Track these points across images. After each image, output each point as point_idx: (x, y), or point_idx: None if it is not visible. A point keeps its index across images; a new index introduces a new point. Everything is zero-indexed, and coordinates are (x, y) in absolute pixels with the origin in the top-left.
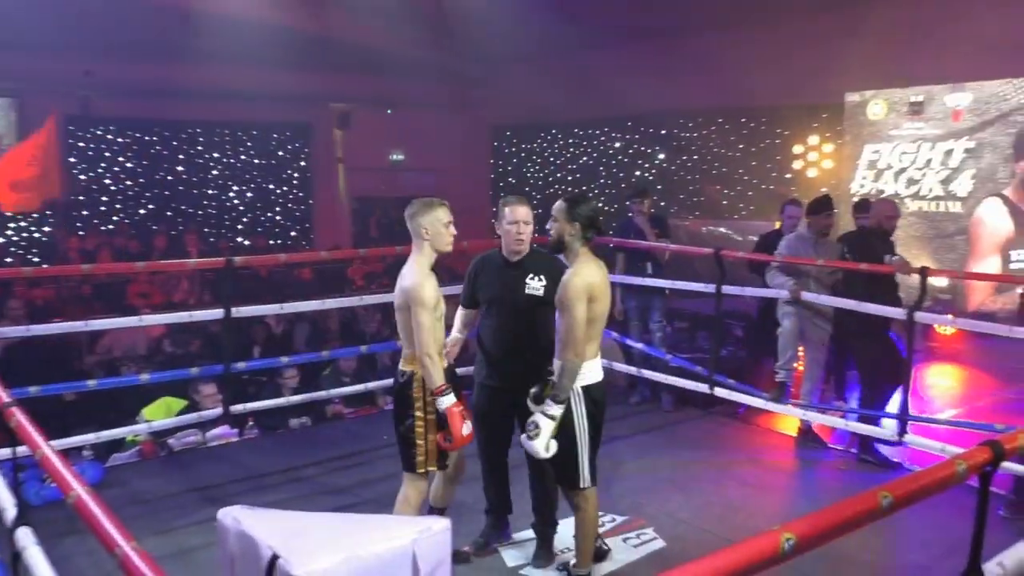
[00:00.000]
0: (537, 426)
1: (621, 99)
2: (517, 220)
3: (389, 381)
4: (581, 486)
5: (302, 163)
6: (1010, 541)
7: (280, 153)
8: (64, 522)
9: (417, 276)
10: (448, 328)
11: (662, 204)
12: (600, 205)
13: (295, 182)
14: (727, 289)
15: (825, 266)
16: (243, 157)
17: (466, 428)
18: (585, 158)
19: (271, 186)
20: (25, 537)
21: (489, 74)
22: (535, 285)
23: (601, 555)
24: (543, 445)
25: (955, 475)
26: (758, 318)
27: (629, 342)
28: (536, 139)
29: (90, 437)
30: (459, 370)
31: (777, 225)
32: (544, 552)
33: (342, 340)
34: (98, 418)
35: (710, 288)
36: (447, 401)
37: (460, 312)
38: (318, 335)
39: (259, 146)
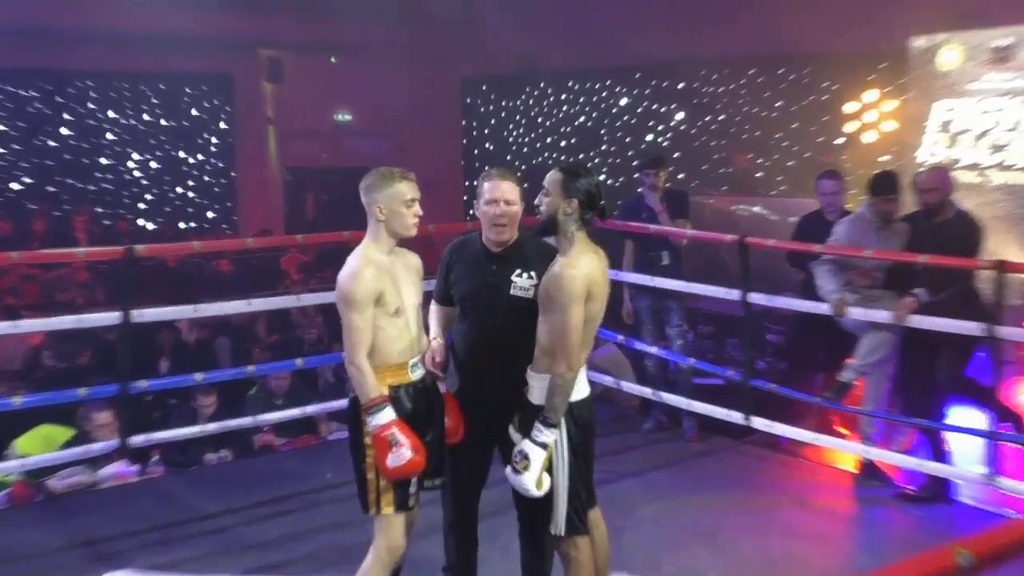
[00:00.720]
0: (526, 456)
1: (628, 45)
2: (498, 198)
3: (335, 403)
4: (555, 532)
5: (222, 125)
6: None
7: (194, 112)
8: None
9: (353, 263)
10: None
11: (680, 177)
12: (603, 178)
13: (213, 149)
14: (754, 299)
15: (887, 259)
16: (146, 118)
17: (393, 457)
18: (583, 118)
19: (182, 154)
20: None
21: (461, 13)
22: (523, 283)
23: None
24: (534, 480)
25: None
26: (800, 322)
27: (639, 346)
28: (520, 94)
29: None
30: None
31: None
32: None
33: (273, 351)
34: None
35: (732, 295)
36: (374, 421)
37: (434, 309)
38: (243, 345)
39: (167, 104)
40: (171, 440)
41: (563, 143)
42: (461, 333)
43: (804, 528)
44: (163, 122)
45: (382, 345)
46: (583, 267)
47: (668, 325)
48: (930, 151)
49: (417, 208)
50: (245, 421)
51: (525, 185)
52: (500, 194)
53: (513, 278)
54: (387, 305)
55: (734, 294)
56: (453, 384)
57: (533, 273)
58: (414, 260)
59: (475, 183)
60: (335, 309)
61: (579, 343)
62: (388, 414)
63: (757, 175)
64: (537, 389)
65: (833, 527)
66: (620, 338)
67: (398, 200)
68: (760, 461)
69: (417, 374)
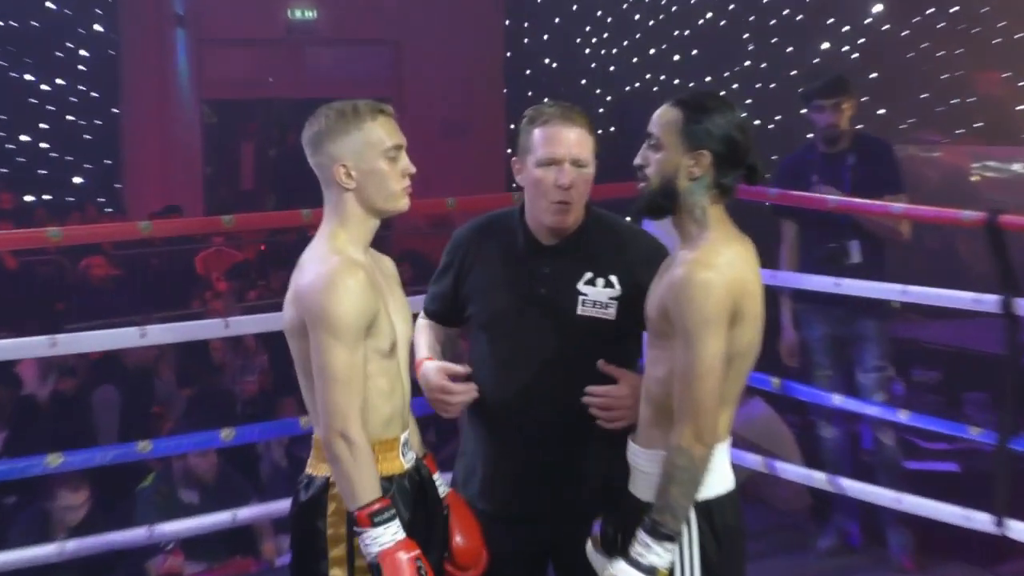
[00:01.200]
0: None
1: None
2: (561, 157)
3: (281, 504)
4: None
5: (97, 28)
6: None
7: (50, 5)
8: None
9: (323, 266)
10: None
11: (880, 114)
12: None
13: (82, 70)
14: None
15: None
16: None
17: None
18: (711, 14)
19: (28, 77)
20: None
21: None
22: (597, 295)
23: None
24: None
25: None
26: None
27: (810, 401)
28: None
29: None
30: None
31: None
32: None
33: (187, 416)
34: None
35: (984, 303)
36: (381, 539)
37: (426, 328)
38: (135, 402)
39: None
40: (13, 566)
41: (676, 57)
42: (485, 377)
43: None
44: None
45: (365, 408)
46: (725, 268)
47: (860, 367)
48: None
49: (406, 163)
50: (136, 534)
51: (603, 131)
52: (564, 150)
53: (580, 287)
54: (380, 336)
55: (987, 302)
56: (473, 471)
57: (614, 278)
58: (389, 265)
59: (518, 127)
60: (282, 342)
61: (717, 396)
62: (397, 529)
63: (1017, 109)
64: (642, 476)
65: None
66: (774, 383)
67: (373, 151)
68: None
69: (410, 458)
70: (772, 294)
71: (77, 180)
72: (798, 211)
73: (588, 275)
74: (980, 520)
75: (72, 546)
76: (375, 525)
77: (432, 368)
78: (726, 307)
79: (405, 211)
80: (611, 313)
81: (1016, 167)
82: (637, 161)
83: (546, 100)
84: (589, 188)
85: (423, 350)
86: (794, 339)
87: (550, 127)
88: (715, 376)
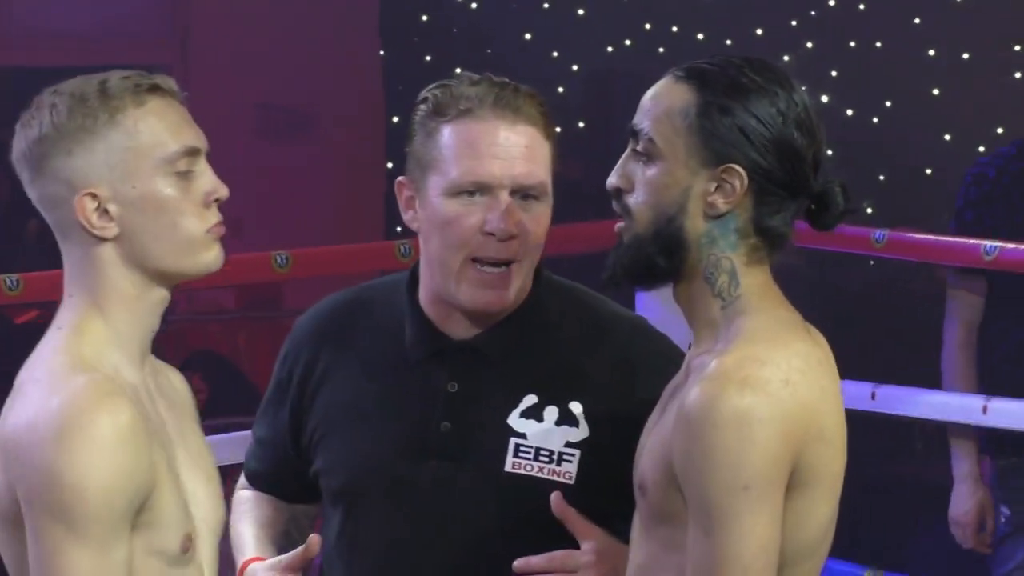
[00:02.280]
0: None
1: None
2: (492, 181)
3: None
4: None
5: None
6: None
7: None
8: None
9: (57, 396)
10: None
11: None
12: (824, 101)
13: None
14: None
15: None
16: None
17: None
18: None
19: None
20: None
21: None
22: (544, 435)
23: None
24: None
25: None
26: None
27: None
28: None
29: None
30: None
31: None
32: None
33: None
34: None
35: None
36: None
37: (251, 502)
38: None
39: None
40: None
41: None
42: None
43: None
44: None
45: None
46: (780, 387)
47: None
48: None
49: (210, 179)
50: None
51: (564, 129)
52: (502, 168)
53: (513, 421)
54: (162, 526)
55: None
56: None
57: (576, 406)
58: (181, 387)
59: (410, 120)
60: None
61: None
62: None
63: None
64: None
65: None
66: None
67: (144, 162)
68: None
69: None
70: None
71: None
72: (993, 272)
73: (530, 399)
74: None
75: None
76: None
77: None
78: (783, 461)
79: (215, 269)
80: (568, 473)
81: None
82: (612, 181)
83: (460, 71)
84: (543, 235)
85: (247, 544)
86: (978, 509)
87: (475, 123)
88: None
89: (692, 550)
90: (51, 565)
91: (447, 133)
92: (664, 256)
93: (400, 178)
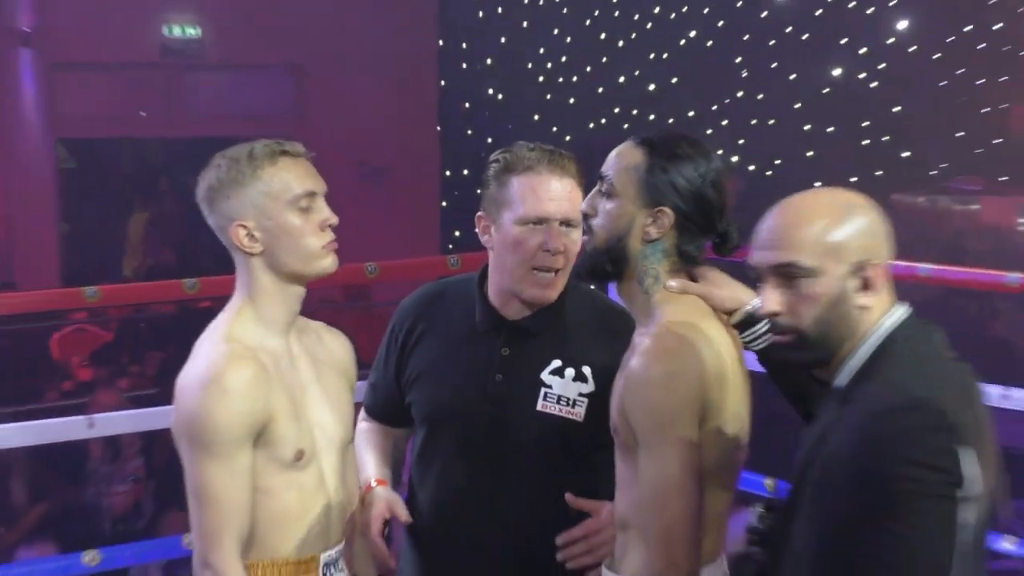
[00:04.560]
0: None
1: None
2: (549, 215)
3: None
4: None
5: None
6: None
7: None
8: None
9: (206, 360)
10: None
11: (905, 157)
12: (734, 160)
13: None
14: None
15: None
16: None
17: None
18: (695, 32)
19: None
20: None
21: None
22: (564, 387)
23: None
24: None
25: None
26: None
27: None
28: None
29: None
30: None
31: None
32: None
33: (40, 537)
34: None
35: None
36: None
37: (365, 429)
38: None
39: None
40: None
41: (651, 86)
42: (424, 484)
43: None
44: None
45: (267, 526)
46: (688, 352)
47: None
48: None
49: (325, 212)
50: None
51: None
52: (556, 206)
53: (544, 375)
54: (278, 444)
55: None
56: None
57: (587, 369)
58: (336, 347)
59: (466, 170)
60: (171, 446)
61: (692, 517)
62: None
63: None
64: None
65: None
66: (768, 485)
67: (277, 202)
68: None
69: None
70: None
71: None
72: None
73: (556, 363)
74: None
75: None
76: None
77: (379, 499)
78: (692, 404)
79: (331, 272)
80: (579, 413)
81: None
82: (583, 208)
83: (521, 142)
84: (576, 252)
85: (369, 466)
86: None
87: (535, 176)
88: (687, 494)
89: (641, 471)
90: (193, 475)
91: (516, 183)
92: (612, 264)
93: (479, 213)
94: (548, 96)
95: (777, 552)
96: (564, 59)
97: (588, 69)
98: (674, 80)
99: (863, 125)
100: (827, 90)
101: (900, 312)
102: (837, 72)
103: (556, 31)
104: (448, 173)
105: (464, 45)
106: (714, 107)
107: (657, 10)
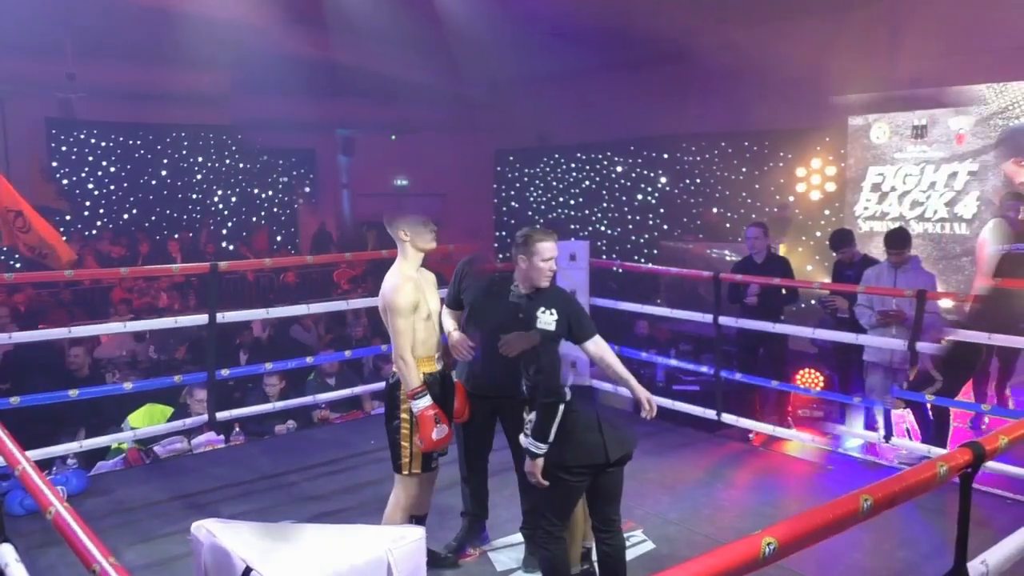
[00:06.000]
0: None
1: (624, 123)
2: (553, 256)
3: (375, 385)
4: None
5: (306, 189)
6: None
7: (284, 179)
8: (47, 532)
9: (394, 279)
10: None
11: (665, 228)
12: (602, 228)
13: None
14: (723, 320)
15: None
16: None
17: (437, 432)
18: (588, 182)
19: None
20: (7, 554)
21: (493, 99)
22: (547, 318)
23: (586, 556)
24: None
25: (936, 477)
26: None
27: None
28: (539, 163)
29: (74, 446)
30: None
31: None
32: (533, 557)
33: (328, 347)
34: (84, 422)
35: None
36: (419, 404)
37: (447, 313)
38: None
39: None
40: (249, 415)
41: (572, 201)
42: (470, 335)
43: (743, 482)
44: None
45: (416, 343)
46: None
47: None
48: (863, 207)
49: (432, 226)
50: (306, 400)
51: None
52: (553, 253)
53: (539, 314)
54: (422, 312)
55: (708, 318)
56: (461, 373)
57: (553, 310)
58: (431, 276)
59: (504, 233)
60: (376, 311)
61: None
62: (428, 399)
63: (726, 226)
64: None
65: (766, 481)
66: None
67: (416, 222)
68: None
69: (439, 365)
70: None
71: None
72: None
73: (543, 309)
74: (709, 413)
75: (279, 404)
76: (417, 398)
77: (456, 336)
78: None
79: (434, 248)
80: (553, 325)
81: (725, 253)
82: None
83: (536, 228)
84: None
85: (449, 325)
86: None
87: (549, 242)
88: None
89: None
90: (393, 324)
91: (538, 246)
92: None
93: (520, 256)
94: (537, 215)
95: None
96: (547, 197)
97: (548, 197)
98: (580, 200)
99: None
100: (635, 203)
101: None
102: (639, 197)
103: (541, 184)
104: (495, 199)
105: (506, 192)
106: (596, 211)
107: (575, 174)
